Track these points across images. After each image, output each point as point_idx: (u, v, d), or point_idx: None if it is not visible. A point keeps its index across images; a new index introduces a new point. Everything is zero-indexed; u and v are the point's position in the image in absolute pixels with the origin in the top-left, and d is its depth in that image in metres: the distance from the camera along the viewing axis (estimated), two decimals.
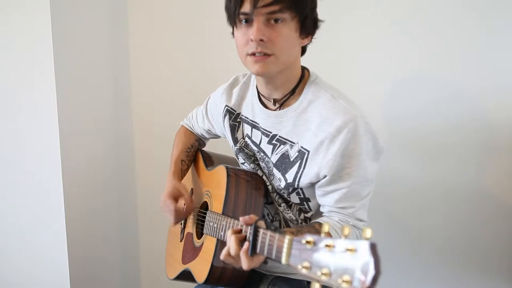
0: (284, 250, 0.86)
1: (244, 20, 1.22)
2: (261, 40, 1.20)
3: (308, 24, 1.25)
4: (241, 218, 1.09)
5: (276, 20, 1.20)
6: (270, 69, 1.25)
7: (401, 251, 2.03)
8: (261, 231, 1.01)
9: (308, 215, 1.41)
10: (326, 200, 1.31)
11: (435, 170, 1.95)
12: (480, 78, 1.84)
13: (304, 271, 0.78)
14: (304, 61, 1.37)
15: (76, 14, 1.99)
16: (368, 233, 0.70)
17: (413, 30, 1.89)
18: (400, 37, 1.91)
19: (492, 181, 1.90)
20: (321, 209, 1.35)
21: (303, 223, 1.42)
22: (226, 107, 1.51)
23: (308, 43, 1.32)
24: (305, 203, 1.38)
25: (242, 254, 1.05)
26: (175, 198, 1.54)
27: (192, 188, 1.69)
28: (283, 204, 1.42)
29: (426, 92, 1.91)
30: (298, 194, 1.37)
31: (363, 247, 0.69)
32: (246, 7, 1.19)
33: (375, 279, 0.67)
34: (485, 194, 1.91)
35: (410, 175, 1.99)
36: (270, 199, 1.45)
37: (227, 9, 1.26)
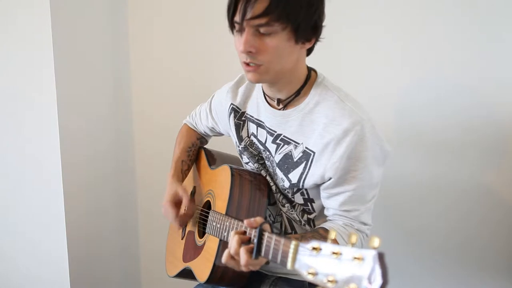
0: (290, 255, 0.86)
1: (237, 28, 1.23)
2: (250, 51, 1.20)
3: (304, 31, 1.21)
4: (245, 221, 1.09)
5: (265, 31, 1.19)
6: (262, 78, 1.26)
7: (398, 249, 2.03)
8: (266, 234, 1.01)
9: (311, 216, 1.41)
10: (331, 203, 1.31)
11: (433, 167, 1.95)
12: (479, 76, 1.85)
13: (310, 277, 0.78)
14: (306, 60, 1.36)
15: (76, 14, 1.98)
16: (376, 242, 0.70)
17: (415, 28, 1.89)
18: (402, 35, 1.92)
19: (490, 178, 1.90)
20: (325, 212, 1.35)
21: (306, 224, 1.43)
22: (232, 106, 1.51)
23: (313, 45, 1.30)
24: (309, 203, 1.39)
25: (245, 254, 1.05)
26: (176, 203, 1.56)
27: (194, 187, 1.69)
28: (287, 205, 1.42)
29: (425, 90, 1.92)
30: (302, 194, 1.37)
31: (371, 256, 0.69)
32: (237, 17, 1.19)
33: None
34: (484, 191, 1.91)
35: (407, 172, 1.99)
36: (273, 200, 1.45)
37: (226, 14, 1.26)
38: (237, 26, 1.21)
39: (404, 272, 2.04)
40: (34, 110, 1.91)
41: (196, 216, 1.58)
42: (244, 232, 1.10)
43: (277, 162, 1.38)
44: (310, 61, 1.36)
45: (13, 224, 2.02)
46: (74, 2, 1.97)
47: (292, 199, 1.40)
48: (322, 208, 1.37)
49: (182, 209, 1.55)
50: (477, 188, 1.92)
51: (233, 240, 1.08)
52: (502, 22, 1.80)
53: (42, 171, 1.95)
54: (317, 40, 1.28)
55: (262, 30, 1.18)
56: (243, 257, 1.05)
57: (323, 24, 1.26)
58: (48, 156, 1.92)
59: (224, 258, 1.11)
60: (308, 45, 1.27)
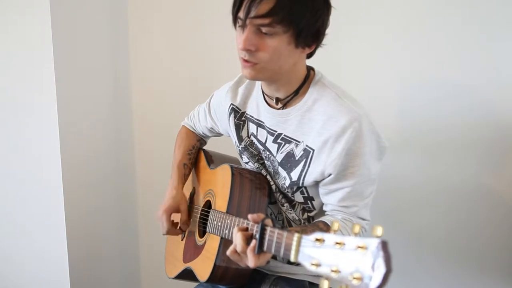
0: (293, 247, 0.87)
1: (240, 24, 1.23)
2: (249, 49, 1.20)
3: (305, 37, 1.21)
4: (249, 215, 1.09)
5: (267, 32, 1.19)
6: (258, 76, 1.26)
7: (399, 249, 2.02)
8: (269, 229, 1.01)
9: (312, 214, 1.42)
10: (329, 199, 1.32)
11: (433, 167, 1.96)
12: (479, 76, 1.85)
13: (313, 268, 0.78)
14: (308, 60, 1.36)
15: (76, 14, 1.98)
16: (379, 231, 0.70)
17: (415, 28, 1.90)
18: (402, 35, 1.92)
19: (491, 178, 1.91)
20: (324, 208, 1.36)
21: (306, 223, 1.43)
22: (232, 106, 1.51)
23: (314, 50, 1.30)
24: (309, 202, 1.39)
25: (249, 252, 1.05)
26: (173, 213, 1.56)
27: (194, 188, 1.69)
28: (286, 204, 1.43)
29: (426, 90, 1.92)
30: (302, 193, 1.38)
31: (374, 244, 0.69)
32: (241, 13, 1.20)
33: (386, 276, 0.68)
34: (484, 191, 1.91)
35: (408, 172, 1.99)
36: (273, 199, 1.45)
37: (231, 9, 1.26)
38: (240, 22, 1.22)
39: (404, 272, 2.04)
40: (34, 110, 1.91)
41: (196, 215, 1.58)
42: (246, 228, 1.10)
43: (279, 161, 1.38)
44: (310, 60, 1.36)
45: (13, 224, 2.02)
46: (74, 2, 1.97)
47: (292, 198, 1.41)
48: (322, 205, 1.38)
49: (176, 218, 1.57)
50: (478, 188, 1.92)
51: (237, 238, 1.08)
52: (502, 22, 1.80)
53: (42, 171, 1.94)
54: (317, 46, 1.29)
55: (264, 30, 1.18)
56: (250, 258, 1.06)
57: (326, 32, 1.27)
58: (48, 156, 1.92)
59: (228, 252, 1.12)
60: (308, 51, 1.27)
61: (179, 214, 1.59)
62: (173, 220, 1.57)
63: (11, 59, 1.89)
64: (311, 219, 1.43)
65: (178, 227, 1.59)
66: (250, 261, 1.06)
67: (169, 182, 1.62)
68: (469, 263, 1.98)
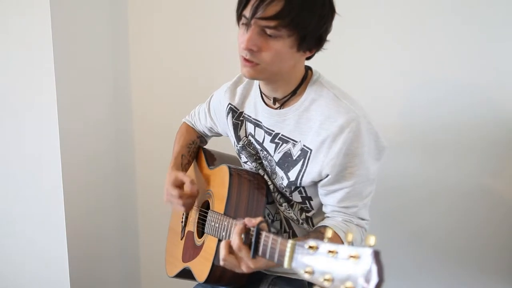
0: (287, 254, 0.86)
1: (244, 22, 1.23)
2: (251, 49, 1.20)
3: (309, 42, 1.22)
4: (246, 219, 1.09)
5: (271, 34, 1.19)
6: (257, 76, 1.26)
7: (398, 249, 2.03)
8: (264, 233, 1.01)
9: (310, 214, 1.42)
10: (329, 200, 1.32)
11: (433, 167, 1.95)
12: (480, 76, 1.85)
13: (306, 276, 0.78)
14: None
15: (76, 14, 1.99)
16: (371, 240, 0.70)
17: (415, 28, 1.89)
18: (402, 36, 1.92)
19: (491, 178, 1.90)
20: (324, 209, 1.36)
21: (304, 223, 1.43)
22: (230, 105, 1.51)
23: (313, 55, 1.30)
24: (307, 201, 1.39)
25: (242, 247, 1.05)
26: (178, 186, 1.52)
27: None
28: (284, 204, 1.43)
29: (426, 90, 1.92)
30: (300, 192, 1.38)
31: (367, 254, 0.69)
32: (247, 12, 1.19)
33: (378, 287, 0.67)
34: (484, 191, 1.91)
35: (408, 172, 1.99)
36: (271, 199, 1.45)
37: (237, 5, 1.25)
38: (244, 20, 1.21)
39: (404, 272, 2.04)
40: (34, 110, 1.91)
41: (195, 215, 1.58)
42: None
43: (276, 161, 1.38)
44: (312, 60, 1.36)
45: (13, 224, 2.02)
46: (74, 2, 1.97)
47: (290, 197, 1.41)
48: (320, 205, 1.38)
49: (186, 188, 1.51)
50: (478, 188, 1.92)
51: (234, 237, 1.07)
52: (502, 22, 1.80)
53: (42, 171, 1.95)
54: (318, 50, 1.29)
55: (268, 31, 1.18)
56: (235, 242, 1.05)
57: (328, 38, 1.27)
58: (48, 156, 1.92)
59: (221, 256, 1.11)
60: (308, 54, 1.28)
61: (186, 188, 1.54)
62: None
63: (11, 59, 1.90)
64: (309, 219, 1.43)
65: (188, 194, 1.52)
66: (234, 242, 1.05)
67: (168, 170, 1.60)
68: (469, 263, 1.98)
